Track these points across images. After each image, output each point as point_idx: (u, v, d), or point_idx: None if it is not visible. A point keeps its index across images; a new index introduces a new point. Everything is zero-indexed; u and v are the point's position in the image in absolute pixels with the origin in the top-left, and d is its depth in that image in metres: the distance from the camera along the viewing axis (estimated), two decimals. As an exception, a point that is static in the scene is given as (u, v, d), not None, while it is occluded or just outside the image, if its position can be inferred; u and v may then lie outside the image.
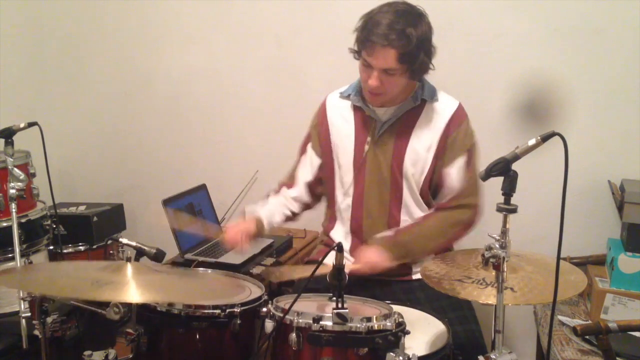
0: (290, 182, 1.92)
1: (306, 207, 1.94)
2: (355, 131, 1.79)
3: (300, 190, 1.90)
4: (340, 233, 1.85)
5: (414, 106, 1.73)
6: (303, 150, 1.92)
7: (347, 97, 1.81)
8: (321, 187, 1.92)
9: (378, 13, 1.58)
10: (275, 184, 1.97)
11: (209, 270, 1.65)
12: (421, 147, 1.73)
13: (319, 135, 1.87)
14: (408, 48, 1.55)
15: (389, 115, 1.74)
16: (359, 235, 1.81)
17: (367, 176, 1.77)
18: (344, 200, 1.82)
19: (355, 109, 1.79)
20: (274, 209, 1.87)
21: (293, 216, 1.92)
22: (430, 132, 1.73)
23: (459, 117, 1.73)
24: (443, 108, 1.74)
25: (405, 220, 1.77)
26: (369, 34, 1.57)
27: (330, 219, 1.90)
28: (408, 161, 1.73)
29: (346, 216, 1.82)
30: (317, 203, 1.95)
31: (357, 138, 1.78)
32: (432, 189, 1.77)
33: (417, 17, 1.58)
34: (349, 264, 1.62)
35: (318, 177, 1.90)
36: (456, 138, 1.72)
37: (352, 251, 1.81)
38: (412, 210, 1.78)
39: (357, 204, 1.79)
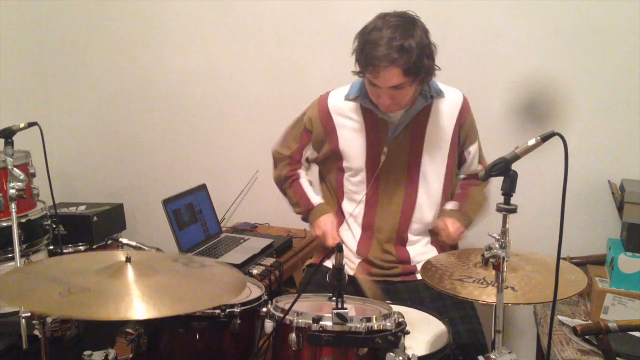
0: (294, 169, 1.94)
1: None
2: (366, 134, 1.77)
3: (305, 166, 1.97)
4: (348, 231, 1.85)
5: (425, 105, 1.74)
6: (302, 145, 1.89)
7: (354, 99, 1.77)
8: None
9: (372, 31, 1.55)
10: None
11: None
12: (436, 143, 1.76)
13: (323, 136, 1.83)
14: (411, 61, 1.53)
15: (401, 117, 1.73)
16: (369, 233, 1.81)
17: (382, 178, 1.77)
18: (358, 201, 1.81)
19: (364, 110, 1.77)
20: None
21: None
22: (444, 127, 1.76)
23: (466, 108, 1.81)
24: (451, 101, 1.78)
25: (416, 222, 1.78)
26: (369, 57, 1.54)
27: (339, 218, 1.88)
28: (426, 159, 1.75)
29: (358, 214, 1.82)
30: None
31: (369, 140, 1.76)
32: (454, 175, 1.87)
33: (411, 26, 1.55)
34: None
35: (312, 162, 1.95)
36: (469, 125, 1.82)
37: (360, 248, 1.81)
38: (425, 209, 1.79)
39: (371, 203, 1.79)
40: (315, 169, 1.97)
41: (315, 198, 1.89)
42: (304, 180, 1.93)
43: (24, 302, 1.12)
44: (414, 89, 1.64)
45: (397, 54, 1.51)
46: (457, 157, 1.84)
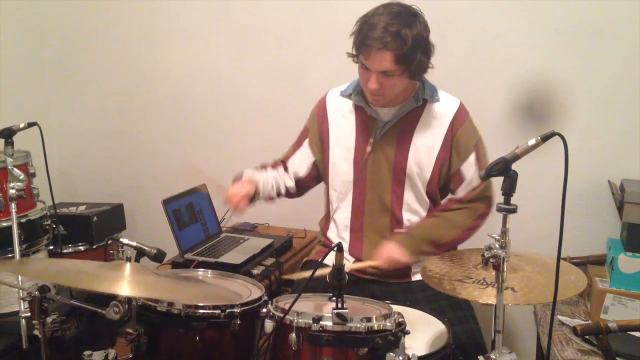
0: (275, 164, 1.94)
1: (291, 195, 1.94)
2: (356, 130, 1.79)
3: (291, 180, 1.91)
4: (335, 232, 1.86)
5: (416, 106, 1.74)
6: (298, 145, 1.92)
7: (348, 96, 1.80)
8: (312, 183, 1.93)
9: (373, 16, 1.58)
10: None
11: (209, 272, 1.64)
12: (424, 147, 1.74)
13: (318, 133, 1.87)
14: (404, 49, 1.55)
15: (390, 115, 1.74)
16: (359, 233, 1.81)
17: (368, 175, 1.77)
18: (343, 199, 1.82)
19: (357, 108, 1.79)
20: (270, 181, 1.87)
21: (278, 196, 1.90)
22: (433, 132, 1.74)
23: (461, 117, 1.75)
24: (445, 108, 1.75)
25: (408, 219, 1.78)
26: (364, 37, 1.57)
27: (327, 218, 1.90)
28: (412, 161, 1.74)
29: (346, 215, 1.82)
30: (299, 196, 1.96)
31: (358, 137, 1.78)
32: (441, 187, 1.80)
33: (411, 18, 1.58)
34: (369, 262, 1.69)
35: (310, 175, 1.90)
36: (462, 136, 1.73)
37: (351, 249, 1.81)
38: (415, 207, 1.79)
39: (358, 202, 1.79)
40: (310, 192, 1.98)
41: (247, 173, 1.85)
42: (269, 170, 1.91)
43: (21, 270, 1.25)
44: (403, 82, 1.65)
45: (391, 38, 1.53)
46: (449, 174, 1.76)
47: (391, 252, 1.66)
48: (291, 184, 1.90)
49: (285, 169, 1.92)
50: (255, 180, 1.81)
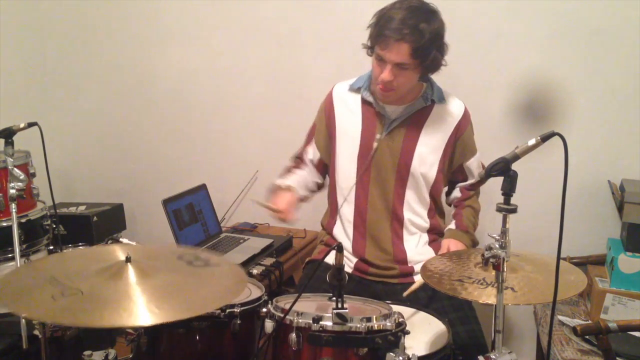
0: (297, 164, 1.95)
1: (320, 187, 1.96)
2: (362, 125, 1.79)
3: (315, 172, 1.93)
4: (342, 229, 1.85)
5: (425, 106, 1.75)
6: (309, 141, 1.93)
7: (357, 90, 1.81)
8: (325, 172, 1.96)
9: (391, 9, 1.60)
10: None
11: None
12: (430, 147, 1.76)
13: (326, 127, 1.87)
14: (421, 42, 1.56)
15: (398, 113, 1.76)
16: (362, 230, 1.81)
17: (372, 171, 1.78)
18: (347, 194, 1.82)
19: (364, 103, 1.80)
20: (302, 182, 1.89)
21: (312, 193, 1.94)
22: (440, 133, 1.77)
23: (466, 120, 1.81)
24: (452, 110, 1.79)
25: (409, 218, 1.79)
26: (382, 29, 1.59)
27: (332, 214, 1.90)
28: (416, 160, 1.75)
29: (349, 210, 1.82)
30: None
31: (364, 132, 1.78)
32: (446, 184, 1.89)
33: (430, 13, 1.60)
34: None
35: (320, 166, 1.92)
36: (467, 138, 1.82)
37: (354, 245, 1.81)
38: (416, 207, 1.80)
39: (362, 198, 1.80)
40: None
41: (283, 181, 1.86)
42: (296, 171, 1.92)
43: (19, 307, 1.08)
44: (415, 78, 1.67)
45: (409, 30, 1.56)
46: (451, 170, 1.84)
47: (457, 247, 1.75)
48: (318, 177, 1.94)
49: (305, 163, 1.94)
50: (292, 187, 1.82)
